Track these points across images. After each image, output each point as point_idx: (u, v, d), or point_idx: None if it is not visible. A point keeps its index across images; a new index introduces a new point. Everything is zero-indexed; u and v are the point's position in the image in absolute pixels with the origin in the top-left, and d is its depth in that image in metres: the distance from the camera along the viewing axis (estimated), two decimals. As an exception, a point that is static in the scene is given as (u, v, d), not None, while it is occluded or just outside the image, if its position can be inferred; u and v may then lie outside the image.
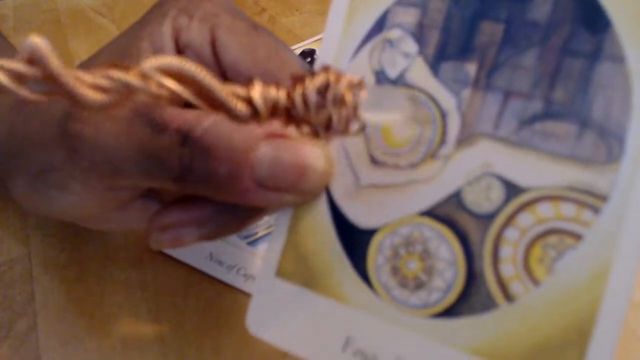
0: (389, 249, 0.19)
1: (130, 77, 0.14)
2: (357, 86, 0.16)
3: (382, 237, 0.19)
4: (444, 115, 0.18)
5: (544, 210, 0.17)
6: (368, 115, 0.16)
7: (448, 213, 0.18)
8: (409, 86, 0.19)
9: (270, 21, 0.53)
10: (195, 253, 0.31)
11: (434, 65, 0.19)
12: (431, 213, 0.18)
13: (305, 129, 0.16)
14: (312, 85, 0.15)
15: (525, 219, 0.17)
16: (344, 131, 0.16)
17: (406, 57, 0.19)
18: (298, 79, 0.16)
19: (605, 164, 0.16)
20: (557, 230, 0.16)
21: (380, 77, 0.19)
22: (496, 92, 0.18)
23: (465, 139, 0.18)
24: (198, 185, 0.20)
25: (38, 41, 0.13)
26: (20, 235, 0.34)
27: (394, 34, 0.19)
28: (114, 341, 0.28)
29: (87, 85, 0.14)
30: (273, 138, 0.19)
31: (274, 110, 0.16)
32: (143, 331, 0.28)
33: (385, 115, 0.17)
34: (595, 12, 0.17)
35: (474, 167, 0.18)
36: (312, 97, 0.15)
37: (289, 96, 0.16)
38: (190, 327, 0.28)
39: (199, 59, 0.22)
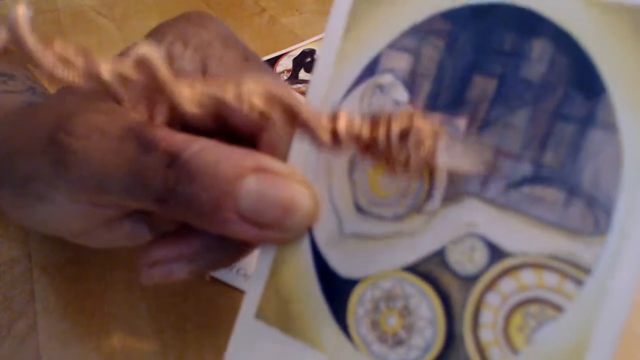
0: (370, 302, 0.18)
1: (228, 97, 0.15)
2: (437, 134, 0.17)
3: (363, 289, 0.19)
4: (431, 169, 0.18)
5: (527, 277, 0.16)
6: (443, 161, 0.17)
7: (431, 270, 0.18)
8: None
9: (271, 21, 0.53)
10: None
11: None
12: (414, 269, 0.18)
13: (382, 161, 0.17)
14: (396, 127, 0.16)
15: (507, 285, 0.17)
16: (418, 171, 0.17)
17: (396, 105, 0.19)
18: (382, 117, 0.16)
19: (591, 236, 0.16)
20: (539, 300, 0.16)
21: None
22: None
23: (452, 196, 0.18)
24: (179, 210, 0.20)
25: (149, 50, 0.14)
26: (20, 235, 0.34)
27: (385, 79, 0.19)
28: (114, 341, 0.28)
29: (187, 97, 0.15)
30: (261, 172, 0.19)
31: (355, 141, 0.17)
32: (143, 331, 0.28)
33: (458, 164, 0.18)
34: (590, 76, 0.16)
35: (459, 226, 0.17)
36: (395, 138, 0.16)
37: (372, 132, 0.16)
38: (190, 327, 0.28)
39: None
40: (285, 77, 0.44)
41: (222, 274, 0.30)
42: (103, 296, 0.30)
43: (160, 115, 0.22)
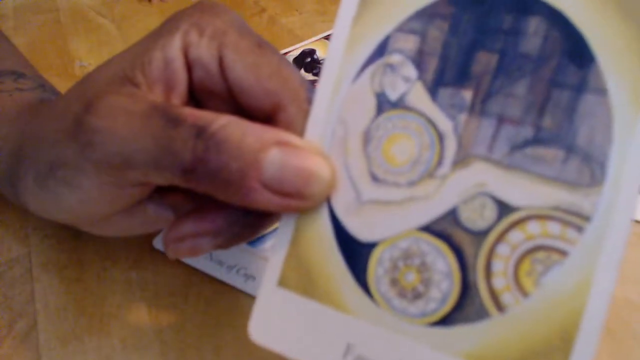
0: (389, 261, 0.20)
1: None
2: None
3: (382, 251, 0.20)
4: (441, 137, 0.20)
5: (533, 228, 0.18)
6: None
7: (444, 229, 0.19)
8: (409, 109, 0.20)
9: (270, 21, 0.53)
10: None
11: (433, 90, 0.20)
12: (429, 229, 0.20)
13: None
14: None
15: (515, 236, 0.18)
16: None
17: (406, 81, 0.20)
18: None
19: (589, 187, 0.18)
20: (545, 247, 0.18)
21: (381, 99, 0.21)
22: (490, 118, 0.19)
23: (461, 160, 0.19)
24: (206, 180, 0.21)
25: None
26: (20, 235, 0.34)
27: (394, 58, 0.21)
28: (114, 341, 0.28)
29: None
30: (283, 145, 0.20)
31: None
32: (143, 331, 0.28)
33: None
34: (581, 48, 0.18)
35: (469, 186, 0.19)
36: None
37: None
38: (190, 327, 0.28)
39: (207, 75, 0.23)
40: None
41: (222, 274, 0.31)
42: (103, 296, 0.30)
43: (177, 100, 0.23)
